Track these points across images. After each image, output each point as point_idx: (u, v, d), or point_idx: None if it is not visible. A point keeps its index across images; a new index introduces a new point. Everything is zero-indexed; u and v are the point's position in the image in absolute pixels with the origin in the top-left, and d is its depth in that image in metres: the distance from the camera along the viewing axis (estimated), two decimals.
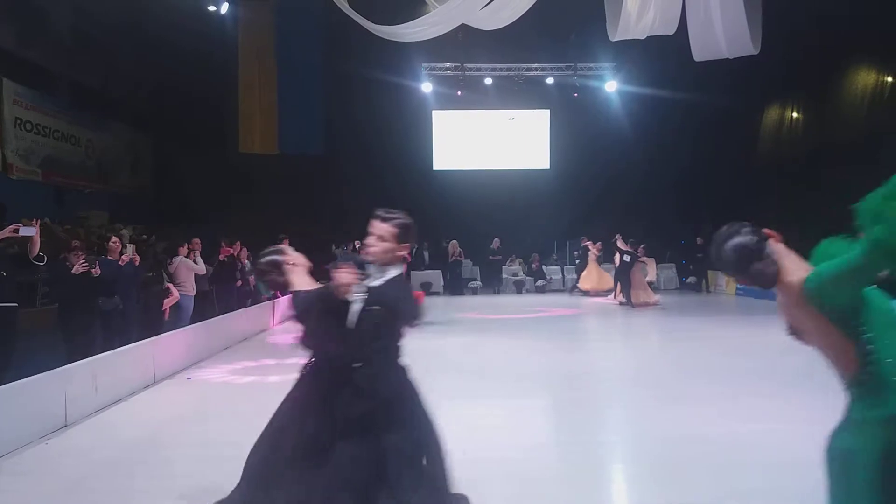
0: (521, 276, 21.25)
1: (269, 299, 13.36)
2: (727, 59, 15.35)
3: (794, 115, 22.18)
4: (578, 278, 19.30)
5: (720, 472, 4.57)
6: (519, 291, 20.65)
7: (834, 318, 2.42)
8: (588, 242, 18.86)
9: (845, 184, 17.76)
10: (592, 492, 4.38)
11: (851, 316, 2.41)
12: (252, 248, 14.72)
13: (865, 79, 18.85)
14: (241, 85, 18.83)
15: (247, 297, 12.25)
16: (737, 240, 2.58)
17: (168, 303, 8.98)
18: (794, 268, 2.55)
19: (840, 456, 2.39)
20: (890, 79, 18.07)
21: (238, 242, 12.74)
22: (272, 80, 18.95)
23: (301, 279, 3.45)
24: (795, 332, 2.59)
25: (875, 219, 2.46)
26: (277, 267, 3.47)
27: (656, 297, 16.28)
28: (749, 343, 10.18)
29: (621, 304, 16.24)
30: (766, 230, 2.70)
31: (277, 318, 13.36)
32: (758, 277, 2.56)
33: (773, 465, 4.60)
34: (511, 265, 21.78)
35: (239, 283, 12.16)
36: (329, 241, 19.48)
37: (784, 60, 18.26)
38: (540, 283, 20.89)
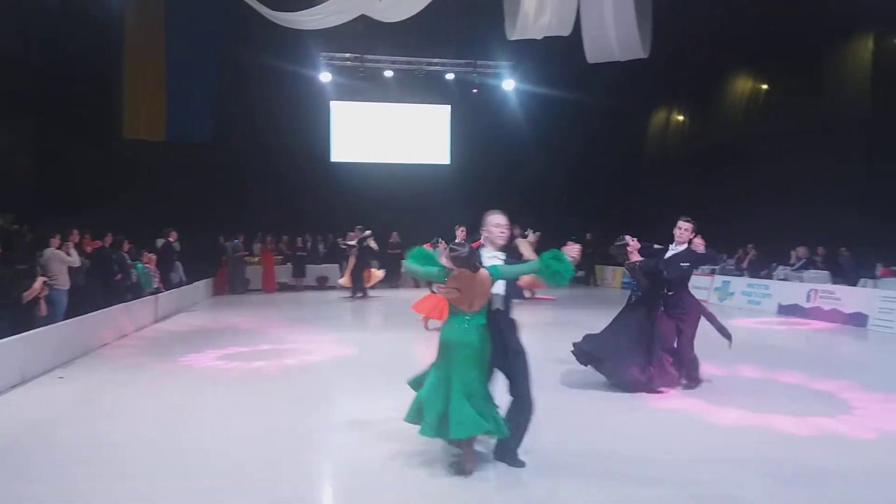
0: None
1: (152, 293, 12.72)
2: (619, 62, 15.93)
3: (679, 117, 23.36)
4: None
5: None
6: (416, 286, 20.63)
7: None
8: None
9: (725, 181, 18.99)
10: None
11: None
12: (137, 239, 13.99)
13: (743, 85, 20.09)
14: (125, 68, 17.73)
15: (126, 292, 11.56)
16: None
17: (27, 296, 8.32)
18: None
19: None
20: (765, 86, 19.34)
21: (109, 235, 11.97)
22: (160, 64, 17.97)
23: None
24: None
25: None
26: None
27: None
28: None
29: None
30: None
31: (160, 313, 12.75)
32: None
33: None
34: None
35: (118, 276, 11.44)
36: (218, 232, 18.81)
37: (670, 66, 19.16)
38: None
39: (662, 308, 6.67)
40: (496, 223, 4.61)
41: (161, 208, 17.33)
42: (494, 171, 22.45)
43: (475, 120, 23.19)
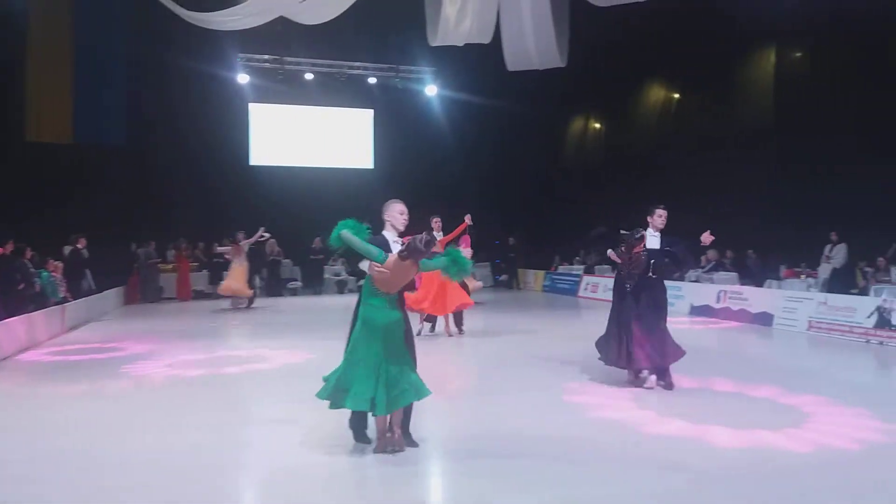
0: (344, 275, 21.04)
1: (58, 303, 12.09)
2: (538, 70, 16.24)
3: (596, 125, 24.03)
4: None
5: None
6: (341, 291, 20.42)
7: None
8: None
9: (639, 186, 19.58)
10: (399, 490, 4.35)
11: None
12: (44, 246, 13.26)
13: (657, 95, 20.85)
14: (29, 64, 16.77)
15: (30, 302, 10.93)
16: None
17: None
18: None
19: None
20: (677, 95, 20.13)
21: (11, 242, 11.29)
22: (67, 61, 17.08)
23: None
24: None
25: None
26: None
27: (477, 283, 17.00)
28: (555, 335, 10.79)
29: None
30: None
31: (68, 323, 12.12)
32: None
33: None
34: (333, 265, 21.49)
35: (21, 285, 10.81)
36: (130, 238, 18.05)
37: (587, 75, 19.68)
38: (362, 282, 20.73)
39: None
40: (400, 210, 5.09)
41: (69, 214, 16.48)
42: (418, 175, 22.43)
43: (398, 124, 23.13)
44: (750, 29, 16.26)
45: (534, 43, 15.10)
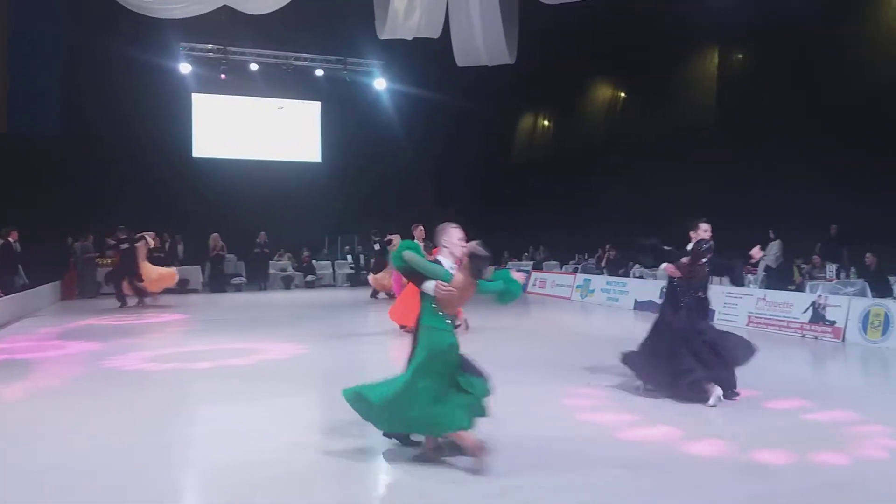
0: (290, 271, 20.74)
1: None
2: (487, 66, 16.28)
3: (545, 122, 24.25)
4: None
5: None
6: (287, 287, 20.12)
7: None
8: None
9: (587, 182, 19.83)
10: (360, 490, 4.29)
11: None
12: None
13: (604, 93, 21.15)
14: None
15: None
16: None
17: None
18: None
19: None
20: (623, 94, 20.46)
21: None
22: (1, 51, 16.33)
23: None
24: None
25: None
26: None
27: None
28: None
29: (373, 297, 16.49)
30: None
31: None
32: None
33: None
34: (279, 260, 21.15)
35: None
36: (67, 231, 17.38)
37: (536, 73, 19.85)
38: (310, 278, 20.53)
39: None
40: (459, 237, 4.66)
41: (1, 206, 15.77)
42: (366, 169, 22.28)
43: (347, 118, 22.88)
44: (693, 29, 16.62)
45: (482, 39, 15.12)
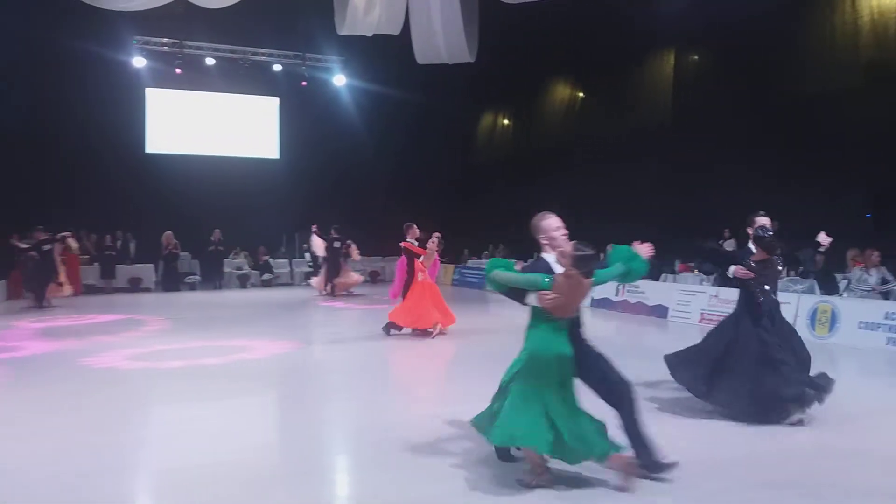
0: (246, 269, 20.43)
1: None
2: (448, 65, 16.27)
3: (505, 121, 24.35)
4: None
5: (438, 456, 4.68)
6: (243, 286, 19.82)
7: None
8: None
9: (546, 182, 19.92)
10: (315, 489, 4.23)
11: None
12: None
13: (562, 93, 21.32)
14: None
15: None
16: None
17: None
18: None
19: None
20: (581, 94, 20.64)
21: None
22: None
23: None
24: None
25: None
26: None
27: (357, 277, 17.14)
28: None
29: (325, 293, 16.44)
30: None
31: None
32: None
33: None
34: (235, 258, 20.82)
35: None
36: (13, 229, 16.77)
37: (496, 72, 19.91)
38: (266, 276, 20.26)
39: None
40: (556, 226, 4.22)
41: None
42: (326, 166, 22.05)
43: (306, 114, 22.60)
44: (650, 30, 16.83)
45: (442, 37, 15.12)
